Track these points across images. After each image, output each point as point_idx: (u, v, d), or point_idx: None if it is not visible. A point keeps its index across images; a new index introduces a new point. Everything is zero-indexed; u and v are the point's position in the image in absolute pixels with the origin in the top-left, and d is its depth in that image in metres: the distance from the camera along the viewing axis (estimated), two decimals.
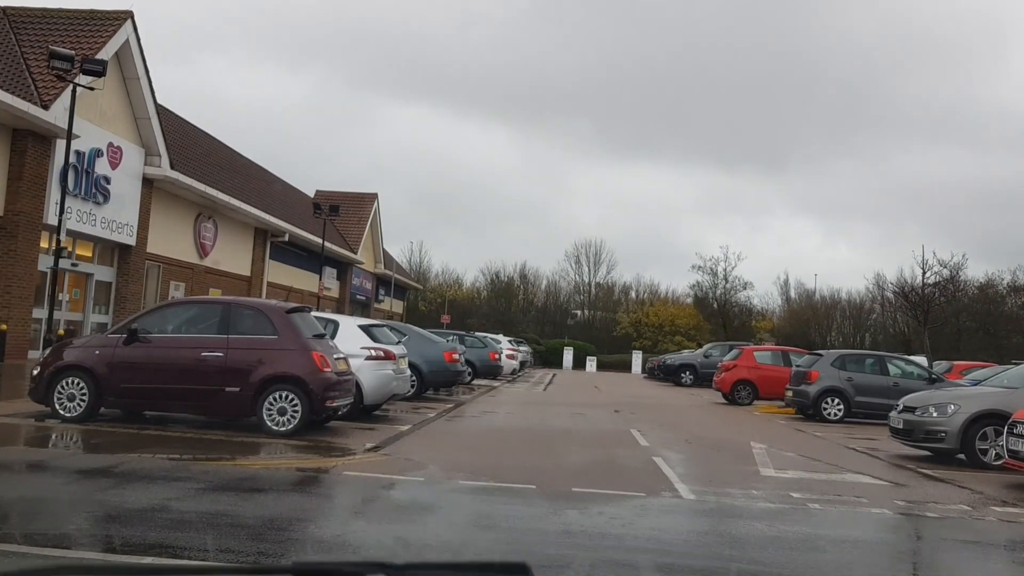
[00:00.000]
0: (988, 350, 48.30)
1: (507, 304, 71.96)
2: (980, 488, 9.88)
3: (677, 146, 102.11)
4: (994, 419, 11.74)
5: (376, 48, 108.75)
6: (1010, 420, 10.30)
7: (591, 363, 54.29)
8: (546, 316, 72.84)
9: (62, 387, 11.04)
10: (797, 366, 21.41)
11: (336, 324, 14.38)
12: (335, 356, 11.63)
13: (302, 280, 37.39)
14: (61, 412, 10.96)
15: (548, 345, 60.20)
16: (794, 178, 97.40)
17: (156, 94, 24.15)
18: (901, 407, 12.95)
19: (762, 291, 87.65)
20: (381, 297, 53.45)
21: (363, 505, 7.29)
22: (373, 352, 13.79)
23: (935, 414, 12.15)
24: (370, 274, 50.63)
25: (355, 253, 45.26)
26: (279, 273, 35.36)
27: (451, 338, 24.84)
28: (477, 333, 33.53)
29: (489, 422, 15.46)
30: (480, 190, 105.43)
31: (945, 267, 44.60)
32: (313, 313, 13.27)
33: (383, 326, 16.56)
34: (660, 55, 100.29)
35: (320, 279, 35.61)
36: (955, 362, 30.81)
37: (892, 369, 19.92)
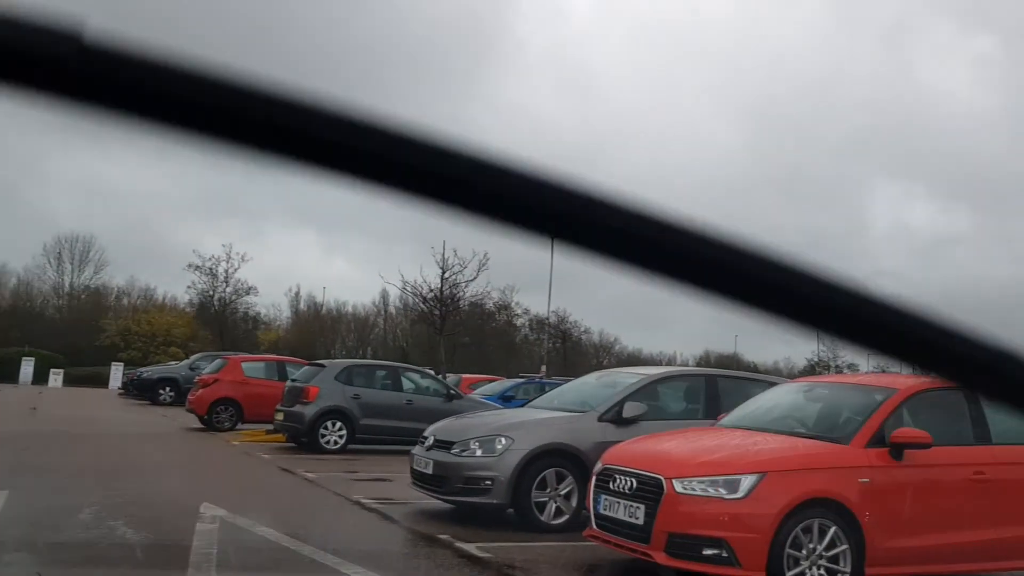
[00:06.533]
0: (480, 364, 50.33)
1: None
2: None
3: None
4: (555, 457, 8.11)
5: None
6: (599, 467, 6.54)
7: (56, 377, 44.68)
8: (13, 321, 59.65)
9: None
10: (293, 380, 16.66)
11: None
12: None
13: None
14: None
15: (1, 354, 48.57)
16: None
17: None
18: (430, 441, 8.65)
19: (272, 300, 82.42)
20: None
21: None
22: None
23: (479, 452, 8.08)
24: None
25: None
26: None
27: None
28: None
29: None
30: None
31: (464, 267, 43.43)
32: None
33: None
34: None
35: None
36: (462, 375, 29.06)
37: (406, 383, 16.18)
